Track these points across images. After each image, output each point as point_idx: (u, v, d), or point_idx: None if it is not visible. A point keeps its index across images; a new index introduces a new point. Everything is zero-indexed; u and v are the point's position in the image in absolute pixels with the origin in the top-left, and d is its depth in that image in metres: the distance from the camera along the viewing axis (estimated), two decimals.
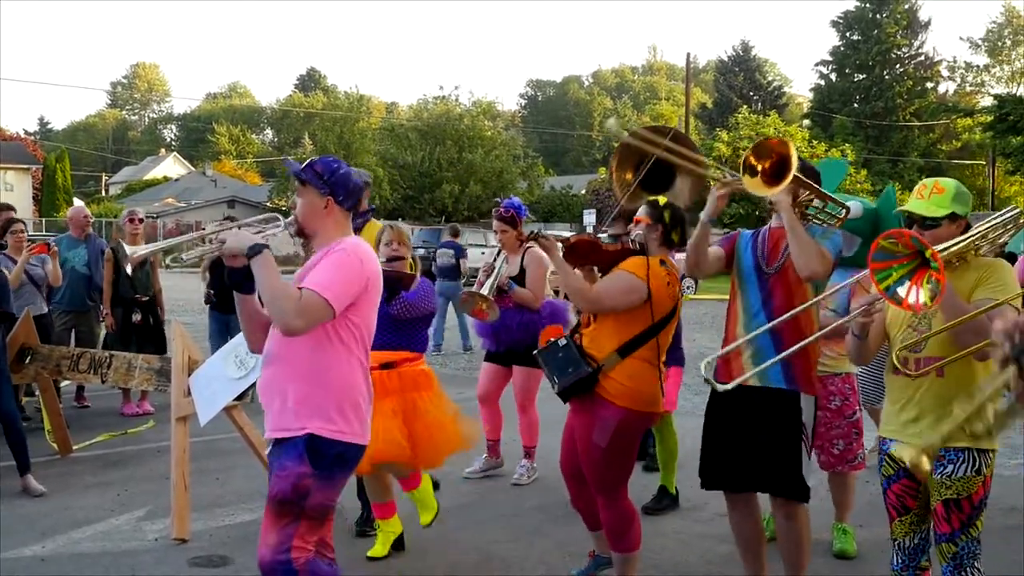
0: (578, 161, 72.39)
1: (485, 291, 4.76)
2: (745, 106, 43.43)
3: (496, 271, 5.07)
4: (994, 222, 3.43)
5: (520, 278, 6.02)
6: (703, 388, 10.09)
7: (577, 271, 4.17)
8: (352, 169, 3.41)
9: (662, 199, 4.37)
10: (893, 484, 3.48)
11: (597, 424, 3.98)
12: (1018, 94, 22.10)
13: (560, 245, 4.08)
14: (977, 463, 3.29)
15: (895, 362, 3.36)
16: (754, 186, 3.73)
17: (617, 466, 4.11)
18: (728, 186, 3.91)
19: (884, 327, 3.52)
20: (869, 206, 4.03)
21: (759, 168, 3.75)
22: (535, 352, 4.32)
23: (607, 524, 4.24)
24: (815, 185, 3.96)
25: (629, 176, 5.33)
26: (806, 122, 48.90)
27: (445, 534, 4.99)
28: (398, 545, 4.88)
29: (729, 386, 3.65)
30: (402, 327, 4.60)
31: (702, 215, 3.98)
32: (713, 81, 60.14)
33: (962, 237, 3.29)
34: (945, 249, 3.15)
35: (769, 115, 39.64)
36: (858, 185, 34.66)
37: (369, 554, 4.88)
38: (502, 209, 6.02)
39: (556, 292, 6.30)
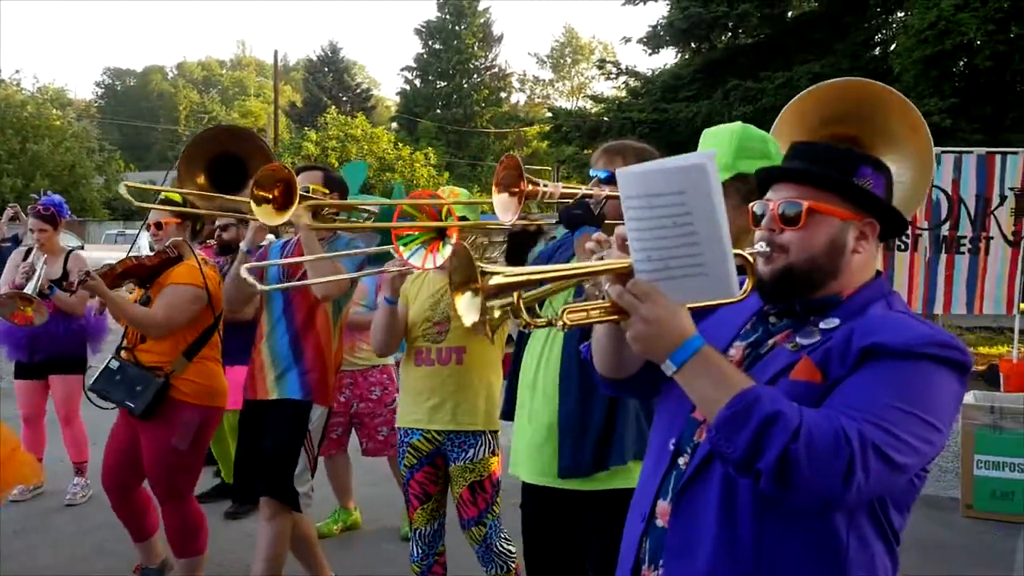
0: (163, 156, 68.56)
1: (29, 291, 4.39)
2: (334, 106, 43.93)
3: (38, 273, 4.73)
4: None
5: (61, 281, 5.66)
6: None
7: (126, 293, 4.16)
8: None
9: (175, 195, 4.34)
10: (416, 473, 3.66)
11: (178, 428, 4.02)
12: (571, 108, 25.12)
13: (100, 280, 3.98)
14: (491, 444, 3.63)
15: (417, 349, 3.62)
16: (265, 215, 3.39)
17: (192, 468, 4.22)
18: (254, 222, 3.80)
19: (407, 319, 3.67)
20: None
21: (270, 197, 3.42)
22: (89, 388, 4.21)
23: (175, 530, 4.23)
24: (334, 201, 3.92)
25: (201, 179, 5.26)
26: (394, 125, 50.68)
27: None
28: None
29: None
30: None
31: (242, 244, 4.02)
32: (303, 80, 60.07)
33: None
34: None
35: (357, 116, 40.46)
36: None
37: None
38: (40, 207, 5.68)
39: None
